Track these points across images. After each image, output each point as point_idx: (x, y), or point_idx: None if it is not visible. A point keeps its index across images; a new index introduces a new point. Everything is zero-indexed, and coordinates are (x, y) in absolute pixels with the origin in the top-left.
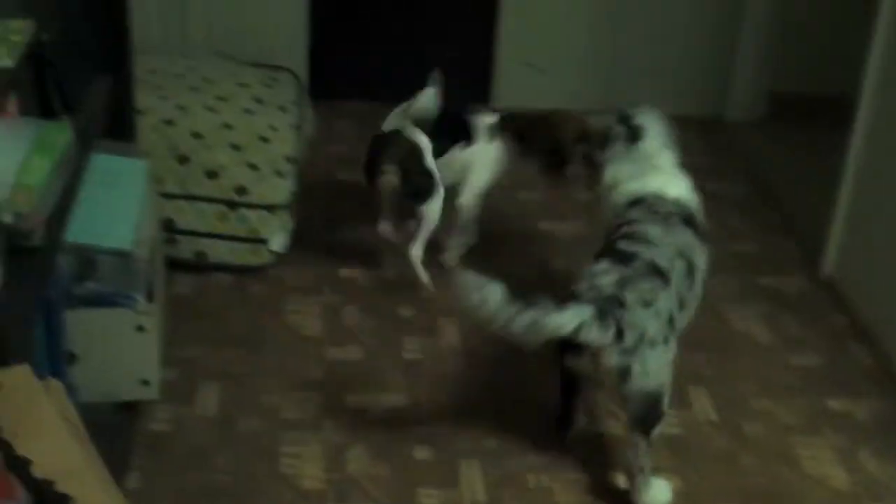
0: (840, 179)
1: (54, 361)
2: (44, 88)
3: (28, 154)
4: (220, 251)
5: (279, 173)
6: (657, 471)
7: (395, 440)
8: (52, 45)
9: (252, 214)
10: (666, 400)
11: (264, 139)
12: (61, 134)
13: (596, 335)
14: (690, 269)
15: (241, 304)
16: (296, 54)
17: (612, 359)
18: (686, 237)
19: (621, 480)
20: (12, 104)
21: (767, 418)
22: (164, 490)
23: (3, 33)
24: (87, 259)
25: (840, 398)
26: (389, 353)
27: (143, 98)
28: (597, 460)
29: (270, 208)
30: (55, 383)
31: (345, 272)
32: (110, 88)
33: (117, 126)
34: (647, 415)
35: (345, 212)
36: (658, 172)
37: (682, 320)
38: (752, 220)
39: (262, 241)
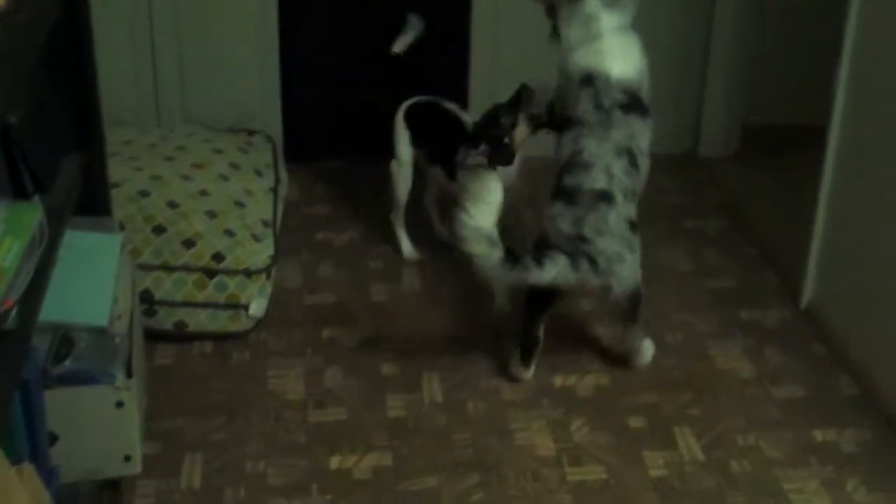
0: (814, 210)
1: (35, 443)
2: (13, 169)
3: None
4: (199, 320)
5: (255, 238)
6: None
7: (381, 500)
8: (20, 125)
9: (230, 281)
10: (641, 286)
11: (240, 204)
12: (32, 214)
13: (574, 276)
14: (633, 160)
15: (223, 372)
16: (270, 117)
17: (594, 282)
18: (626, 128)
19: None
20: None
21: (754, 454)
22: None
23: None
24: (64, 337)
25: (825, 429)
26: (373, 412)
27: (117, 170)
28: None
29: (248, 273)
30: (28, 468)
31: (326, 333)
32: (82, 164)
33: (91, 201)
34: (631, 307)
35: (324, 273)
36: (603, 39)
37: (634, 203)
38: (730, 255)
39: (242, 307)
